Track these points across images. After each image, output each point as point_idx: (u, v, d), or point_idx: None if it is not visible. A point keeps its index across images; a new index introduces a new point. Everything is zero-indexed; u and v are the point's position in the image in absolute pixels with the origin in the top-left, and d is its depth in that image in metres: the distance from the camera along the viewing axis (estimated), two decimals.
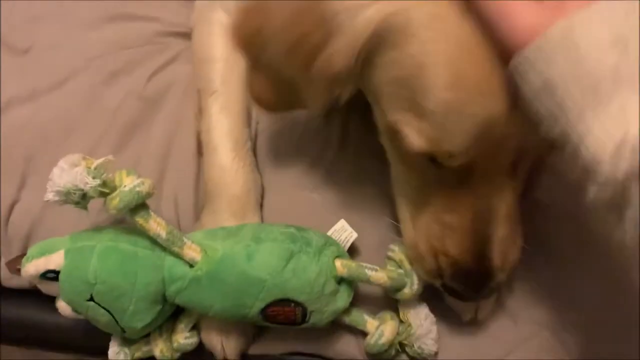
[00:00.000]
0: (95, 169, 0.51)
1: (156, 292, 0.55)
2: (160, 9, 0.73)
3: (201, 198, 0.64)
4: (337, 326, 0.59)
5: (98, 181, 0.51)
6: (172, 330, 0.60)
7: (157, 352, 0.59)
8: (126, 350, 0.60)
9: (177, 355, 0.60)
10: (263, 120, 0.65)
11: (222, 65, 0.65)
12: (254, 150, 0.65)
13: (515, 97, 0.40)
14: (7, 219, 0.62)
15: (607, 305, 0.56)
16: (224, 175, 0.61)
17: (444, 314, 0.58)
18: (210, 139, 0.63)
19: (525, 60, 0.37)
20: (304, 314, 0.54)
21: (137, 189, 0.52)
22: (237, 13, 0.52)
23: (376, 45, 0.43)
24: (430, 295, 0.57)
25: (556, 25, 0.36)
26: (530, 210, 0.53)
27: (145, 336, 0.60)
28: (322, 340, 0.60)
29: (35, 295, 0.63)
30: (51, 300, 0.58)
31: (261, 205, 0.63)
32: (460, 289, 0.51)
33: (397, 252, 0.57)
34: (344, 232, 0.59)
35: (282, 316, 0.54)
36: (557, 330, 0.56)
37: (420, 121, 0.43)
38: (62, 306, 0.58)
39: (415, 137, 0.44)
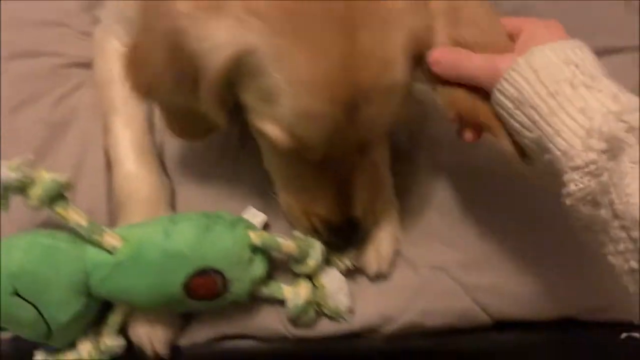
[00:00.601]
0: (15, 166, 0.55)
1: (79, 282, 0.57)
2: (60, 43, 0.78)
3: (115, 210, 0.67)
4: (258, 302, 0.63)
5: (20, 174, 0.54)
6: (98, 334, 0.61)
7: (84, 355, 0.60)
8: (51, 357, 0.61)
9: (107, 357, 0.61)
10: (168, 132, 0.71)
11: (121, 86, 0.69)
12: (161, 158, 0.70)
13: (350, 111, 0.49)
14: None
15: (492, 242, 0.64)
16: (131, 183, 0.66)
17: (352, 274, 0.63)
18: (116, 153, 0.67)
19: (498, 91, 0.49)
20: (224, 283, 0.58)
21: (57, 179, 0.55)
22: (125, 53, 0.58)
23: (237, 73, 0.50)
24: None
25: (516, 61, 0.48)
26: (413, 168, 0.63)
27: (71, 345, 0.61)
28: (246, 319, 0.63)
29: None
30: None
31: (173, 208, 0.68)
32: (335, 241, 0.60)
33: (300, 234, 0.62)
34: (254, 217, 0.65)
35: (204, 288, 0.58)
36: (453, 274, 0.63)
37: (281, 129, 0.51)
38: None
39: (279, 136, 0.51)
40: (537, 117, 0.46)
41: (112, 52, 0.73)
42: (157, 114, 0.71)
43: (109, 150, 0.68)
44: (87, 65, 0.75)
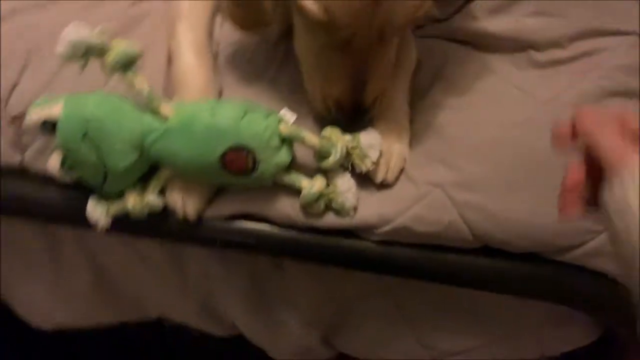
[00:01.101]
0: (98, 33, 0.67)
1: (136, 139, 0.69)
2: None
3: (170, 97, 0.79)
4: (278, 189, 0.73)
5: (101, 39, 0.66)
6: (143, 190, 0.73)
7: (129, 205, 0.72)
8: (103, 204, 0.73)
9: (146, 211, 0.73)
10: (223, 42, 0.83)
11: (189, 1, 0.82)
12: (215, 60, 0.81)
13: None
14: (7, 100, 0.75)
15: (487, 169, 0.73)
16: (187, 73, 0.77)
17: (362, 180, 0.73)
18: (178, 49, 0.78)
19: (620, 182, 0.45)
20: (254, 162, 0.69)
21: (130, 48, 0.67)
22: None
23: None
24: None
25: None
26: None
27: (118, 195, 0.73)
28: (266, 201, 0.74)
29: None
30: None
31: None
32: (340, 117, 0.71)
33: (327, 130, 0.72)
34: (287, 114, 0.73)
35: (237, 163, 0.69)
36: (447, 191, 0.72)
37: (318, 4, 0.62)
38: (53, 162, 0.71)
39: (313, 9, 0.62)
40: None
41: None
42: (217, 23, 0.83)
43: (172, 49, 0.79)
44: None
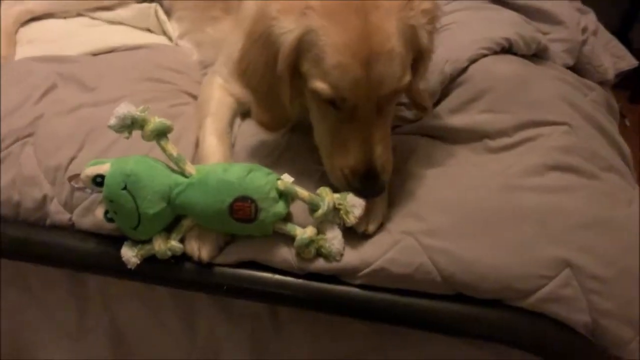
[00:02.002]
0: (141, 110, 0.87)
1: (165, 192, 0.86)
2: (180, 82, 1.19)
3: None
4: (276, 238, 0.88)
5: (143, 115, 0.86)
6: (167, 237, 0.89)
7: (156, 247, 0.88)
8: (134, 248, 0.89)
9: (169, 254, 0.88)
10: (240, 135, 1.04)
11: (216, 102, 1.05)
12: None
13: (366, 66, 0.80)
14: (66, 168, 0.95)
15: (452, 217, 0.88)
16: (209, 151, 0.96)
17: (347, 232, 0.88)
18: (204, 135, 0.99)
19: None
20: (256, 210, 0.85)
21: (164, 122, 0.87)
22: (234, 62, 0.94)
23: (300, 49, 0.84)
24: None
25: None
26: None
27: (147, 242, 0.89)
28: (267, 248, 0.88)
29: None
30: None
31: None
32: (361, 187, 0.85)
33: (320, 189, 0.87)
34: (285, 177, 0.89)
35: (242, 211, 0.85)
36: (417, 238, 0.87)
37: (324, 82, 0.83)
38: (98, 212, 0.90)
39: (323, 88, 0.83)
40: None
41: (215, 83, 1.08)
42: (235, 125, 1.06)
43: (200, 136, 1.00)
44: (194, 96, 1.14)
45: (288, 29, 0.83)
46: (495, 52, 1.11)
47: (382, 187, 0.88)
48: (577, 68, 1.26)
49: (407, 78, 0.85)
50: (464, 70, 1.07)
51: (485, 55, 1.09)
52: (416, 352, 0.95)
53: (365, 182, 0.86)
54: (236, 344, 0.99)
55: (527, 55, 1.17)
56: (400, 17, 0.83)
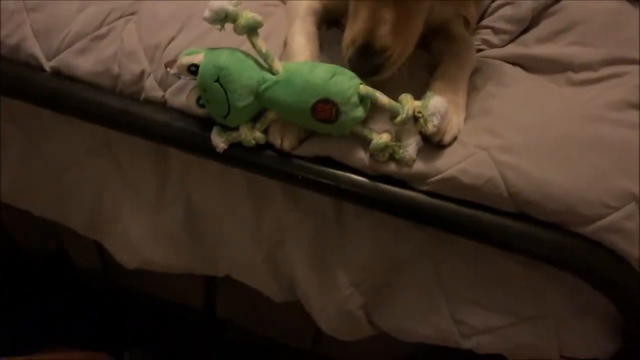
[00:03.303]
0: (234, 5, 0.90)
1: (253, 85, 0.90)
2: None
3: None
4: (353, 139, 0.92)
5: (236, 8, 0.89)
6: (253, 126, 0.94)
7: (242, 135, 0.93)
8: (222, 134, 0.95)
9: (253, 142, 0.94)
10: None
11: (305, 6, 1.07)
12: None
13: None
14: (164, 49, 1.01)
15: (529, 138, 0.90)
16: (297, 49, 0.99)
17: (423, 141, 0.91)
18: (293, 34, 1.02)
19: None
20: (337, 113, 0.89)
21: (256, 17, 0.90)
22: None
23: None
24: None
25: None
26: None
27: (234, 129, 0.95)
28: (343, 147, 0.93)
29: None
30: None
31: None
32: (353, 58, 0.88)
33: (402, 96, 0.89)
34: None
35: (324, 112, 0.89)
36: (491, 152, 0.90)
37: None
38: (191, 97, 0.96)
39: None
40: None
41: None
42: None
43: (289, 35, 1.03)
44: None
45: None
46: None
47: (374, 66, 0.89)
48: None
49: None
50: (558, 0, 1.06)
51: None
52: (466, 265, 1.00)
53: (359, 56, 0.88)
54: (300, 234, 1.06)
55: None
56: None
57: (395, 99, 0.90)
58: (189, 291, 1.48)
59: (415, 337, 1.09)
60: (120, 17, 1.04)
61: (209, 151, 0.95)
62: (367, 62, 0.88)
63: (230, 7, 0.89)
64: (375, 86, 0.90)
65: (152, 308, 1.67)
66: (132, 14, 1.05)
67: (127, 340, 1.64)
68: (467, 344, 1.05)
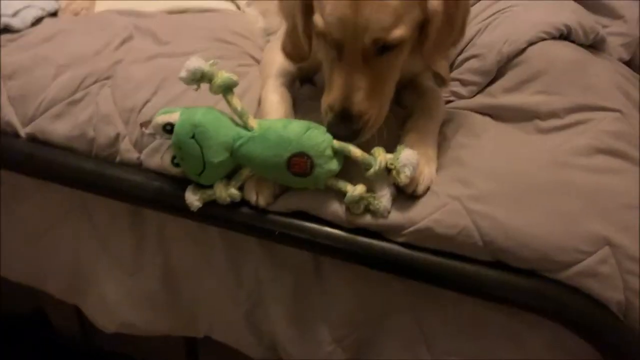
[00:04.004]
0: (210, 65, 0.92)
1: (228, 142, 0.92)
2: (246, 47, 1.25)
3: None
4: (328, 192, 0.93)
5: (212, 68, 0.91)
6: (228, 183, 0.95)
7: (217, 192, 0.94)
8: (197, 192, 0.95)
9: (228, 200, 0.95)
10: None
11: (278, 65, 1.10)
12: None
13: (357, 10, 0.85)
14: (139, 110, 1.02)
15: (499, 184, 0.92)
16: (271, 107, 1.03)
17: (397, 192, 0.93)
18: (266, 92, 1.05)
19: None
20: (312, 166, 0.90)
21: (231, 76, 0.92)
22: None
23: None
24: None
25: None
26: None
27: (209, 188, 0.95)
28: (319, 201, 0.94)
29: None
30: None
31: None
32: (333, 123, 0.91)
33: (374, 149, 0.92)
34: None
35: (299, 166, 0.90)
36: (463, 202, 0.91)
37: (321, 16, 0.89)
38: (166, 157, 0.97)
39: (319, 21, 0.90)
40: None
41: (277, 48, 1.11)
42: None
43: (263, 94, 1.06)
44: (257, 59, 1.21)
45: None
46: (554, 38, 1.13)
47: (354, 132, 0.92)
48: (633, 64, 1.28)
49: (400, 32, 0.89)
50: (522, 51, 1.10)
51: (544, 39, 1.11)
52: (446, 315, 0.99)
53: (337, 121, 0.91)
54: (279, 290, 1.05)
55: (584, 45, 1.18)
56: None
57: (368, 152, 0.92)
58: (170, 353, 1.44)
59: None
60: (96, 81, 1.07)
61: (184, 210, 0.95)
62: (346, 127, 0.91)
63: (206, 67, 0.91)
64: None
65: None
66: (107, 78, 1.08)
67: None
68: None
